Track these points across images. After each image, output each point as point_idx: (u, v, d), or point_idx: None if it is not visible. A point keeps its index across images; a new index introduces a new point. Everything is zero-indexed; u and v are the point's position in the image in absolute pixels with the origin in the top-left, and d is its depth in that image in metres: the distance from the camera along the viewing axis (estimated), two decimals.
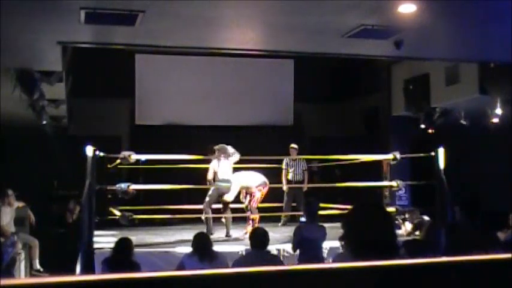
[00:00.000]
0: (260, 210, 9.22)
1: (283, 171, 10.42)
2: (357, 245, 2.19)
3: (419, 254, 5.08)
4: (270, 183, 9.22)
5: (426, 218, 8.58)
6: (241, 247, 7.24)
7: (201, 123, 12.90)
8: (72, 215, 9.82)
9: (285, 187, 10.31)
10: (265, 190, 8.77)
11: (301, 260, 6.60)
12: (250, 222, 8.65)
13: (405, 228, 8.75)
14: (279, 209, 10.20)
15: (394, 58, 9.71)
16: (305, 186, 10.33)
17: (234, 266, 5.70)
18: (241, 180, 8.65)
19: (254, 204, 8.71)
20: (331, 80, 13.54)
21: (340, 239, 2.37)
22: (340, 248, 6.43)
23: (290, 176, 10.41)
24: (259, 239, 5.76)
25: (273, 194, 9.89)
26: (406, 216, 8.89)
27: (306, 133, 13.69)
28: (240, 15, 5.77)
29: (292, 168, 10.42)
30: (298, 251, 6.72)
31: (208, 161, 8.87)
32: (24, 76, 7.03)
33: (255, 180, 8.70)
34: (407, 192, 11.00)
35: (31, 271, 8.54)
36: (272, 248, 6.80)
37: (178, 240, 7.98)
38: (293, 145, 10.41)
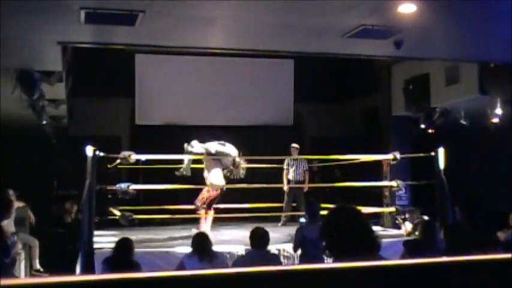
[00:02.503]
0: (261, 210, 9.25)
1: (284, 171, 10.40)
2: (337, 245, 2.25)
3: (419, 253, 5.09)
4: (269, 183, 9.24)
5: (426, 218, 8.57)
6: (241, 247, 7.25)
7: (201, 123, 12.90)
8: (70, 215, 9.81)
9: (285, 187, 10.29)
10: (212, 193, 8.43)
11: (302, 260, 6.63)
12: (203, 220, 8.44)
13: (405, 228, 8.74)
14: (279, 209, 10.20)
15: (394, 58, 9.71)
16: (306, 186, 10.30)
17: (234, 265, 5.71)
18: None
19: (197, 202, 8.45)
20: (331, 80, 13.54)
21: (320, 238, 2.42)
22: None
23: (291, 176, 10.38)
24: (259, 238, 5.77)
25: (273, 194, 9.90)
26: (406, 216, 8.88)
27: (306, 133, 13.69)
28: (240, 15, 5.77)
29: (293, 168, 10.38)
30: (299, 251, 6.74)
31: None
32: (24, 76, 7.03)
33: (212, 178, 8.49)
34: (407, 192, 11.00)
35: (31, 271, 8.54)
36: (272, 248, 6.80)
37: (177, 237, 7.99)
38: (294, 144, 10.39)
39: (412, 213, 8.82)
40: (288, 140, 10.77)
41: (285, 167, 10.39)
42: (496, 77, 8.48)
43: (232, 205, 9.10)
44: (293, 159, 10.36)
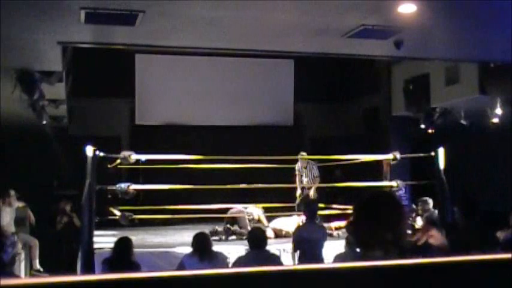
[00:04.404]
0: (266, 210, 9.35)
1: (297, 176, 10.25)
2: (365, 244, 2.06)
3: (420, 253, 5.08)
4: (268, 182, 9.28)
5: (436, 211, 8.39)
6: (241, 247, 7.25)
7: (201, 123, 12.91)
8: (65, 215, 9.78)
9: (298, 192, 10.17)
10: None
11: (301, 260, 6.64)
12: None
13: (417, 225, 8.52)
14: (279, 209, 10.16)
15: (394, 58, 9.70)
16: (313, 188, 10.08)
17: (234, 265, 5.71)
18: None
19: None
20: (331, 80, 13.54)
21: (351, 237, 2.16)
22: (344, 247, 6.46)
23: (305, 183, 10.25)
24: (257, 239, 5.77)
25: (273, 194, 9.89)
26: (418, 208, 8.66)
27: (306, 133, 13.69)
28: (240, 15, 5.76)
29: (306, 177, 10.21)
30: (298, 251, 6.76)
31: (208, 162, 8.89)
32: (24, 76, 7.03)
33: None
34: (408, 192, 10.99)
35: (31, 271, 8.54)
36: (272, 248, 6.81)
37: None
38: (302, 153, 10.19)
39: (424, 204, 8.61)
40: (288, 140, 10.75)
41: (296, 172, 10.27)
42: (496, 77, 8.48)
43: (233, 205, 9.09)
44: (303, 167, 10.20)
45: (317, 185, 10.13)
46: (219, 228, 8.68)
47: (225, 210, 9.10)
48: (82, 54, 8.46)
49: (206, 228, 8.18)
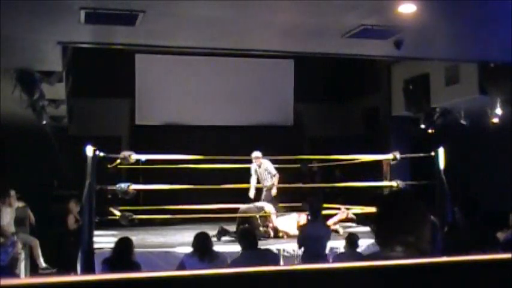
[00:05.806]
0: None
1: (252, 177, 9.81)
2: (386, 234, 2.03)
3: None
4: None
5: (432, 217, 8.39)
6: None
7: (201, 123, 12.91)
8: (72, 215, 9.78)
9: (252, 193, 9.77)
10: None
11: (304, 257, 6.72)
12: None
13: None
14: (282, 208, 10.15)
15: (394, 58, 9.70)
16: (274, 190, 9.64)
17: (231, 266, 5.71)
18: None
19: None
20: (331, 80, 13.55)
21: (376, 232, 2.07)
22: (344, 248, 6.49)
23: (268, 182, 9.73)
24: (247, 239, 5.76)
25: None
26: None
27: (306, 133, 13.69)
28: (240, 15, 5.77)
29: (261, 176, 9.79)
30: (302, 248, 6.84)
31: (208, 162, 8.90)
32: (24, 76, 7.03)
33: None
34: None
35: (38, 270, 8.54)
36: (272, 248, 6.82)
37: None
38: (255, 154, 9.63)
39: None
40: (288, 140, 10.73)
41: (252, 173, 9.83)
42: (496, 77, 8.48)
43: (231, 205, 9.08)
44: (258, 166, 9.74)
45: (276, 183, 9.67)
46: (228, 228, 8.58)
47: (225, 210, 9.09)
48: (82, 54, 8.46)
49: (206, 228, 8.16)
